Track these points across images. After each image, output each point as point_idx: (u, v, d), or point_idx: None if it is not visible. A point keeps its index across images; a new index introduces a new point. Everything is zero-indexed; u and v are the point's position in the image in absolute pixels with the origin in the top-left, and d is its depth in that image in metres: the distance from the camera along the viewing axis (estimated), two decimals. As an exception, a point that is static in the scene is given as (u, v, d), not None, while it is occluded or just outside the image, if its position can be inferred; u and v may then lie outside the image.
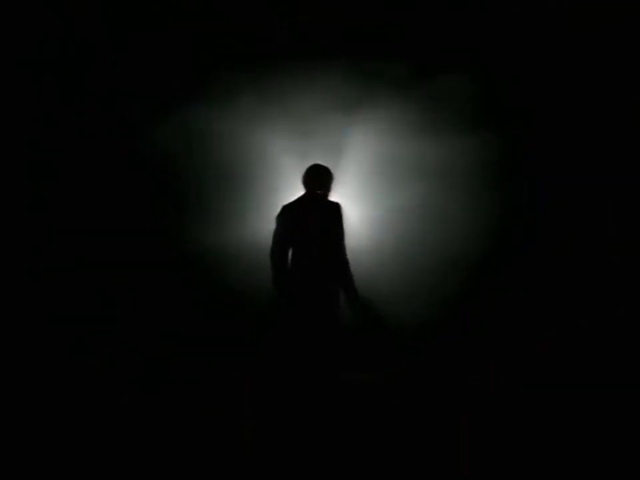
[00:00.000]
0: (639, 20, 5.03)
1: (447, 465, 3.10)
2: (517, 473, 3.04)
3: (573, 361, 4.37)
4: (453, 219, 5.16)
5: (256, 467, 3.07)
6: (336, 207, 3.95)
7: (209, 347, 4.55)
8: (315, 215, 3.90)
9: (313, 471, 3.05)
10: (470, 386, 4.02)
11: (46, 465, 3.06)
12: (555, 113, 5.13)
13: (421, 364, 4.38)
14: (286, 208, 3.95)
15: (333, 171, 4.14)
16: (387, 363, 4.34)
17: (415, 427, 3.48)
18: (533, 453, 3.20)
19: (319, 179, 3.95)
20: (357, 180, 5.09)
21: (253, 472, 3.04)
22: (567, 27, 5.09)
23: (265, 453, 3.19)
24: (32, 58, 5.03)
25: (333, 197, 4.09)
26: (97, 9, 5.07)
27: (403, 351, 4.53)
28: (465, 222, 5.14)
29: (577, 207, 5.09)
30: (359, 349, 4.07)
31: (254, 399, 3.79)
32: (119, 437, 3.32)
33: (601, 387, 3.95)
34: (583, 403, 3.76)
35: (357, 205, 4.90)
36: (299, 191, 4.15)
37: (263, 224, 4.79)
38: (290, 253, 3.95)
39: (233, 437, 3.34)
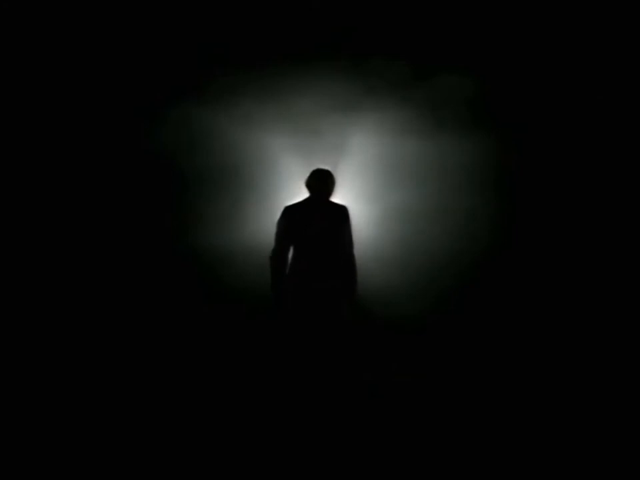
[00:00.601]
0: (638, 22, 5.04)
1: (447, 465, 3.10)
2: (517, 473, 3.05)
3: (573, 361, 4.37)
4: (453, 219, 5.18)
5: (256, 467, 3.07)
6: (341, 210, 3.96)
7: (209, 347, 4.55)
8: (317, 216, 3.91)
9: (314, 470, 3.05)
10: (468, 386, 4.02)
11: (46, 465, 3.05)
12: (554, 113, 5.14)
13: (421, 364, 4.39)
14: (288, 209, 3.96)
15: (334, 172, 4.15)
16: (387, 363, 4.34)
17: (415, 427, 3.48)
18: (532, 453, 3.21)
19: (321, 182, 3.95)
20: (358, 181, 5.10)
21: (253, 472, 3.04)
22: (566, 29, 5.10)
23: (266, 453, 3.19)
24: (32, 58, 5.03)
25: (335, 197, 4.09)
26: (97, 9, 5.07)
27: (402, 351, 4.54)
28: (465, 222, 5.16)
29: (576, 206, 5.11)
30: (359, 348, 4.07)
31: (256, 398, 3.79)
32: (119, 437, 3.32)
33: (601, 387, 3.96)
34: (582, 402, 3.77)
35: (358, 205, 4.90)
36: (300, 192, 4.15)
37: (263, 225, 4.81)
38: (292, 254, 3.95)
39: (234, 437, 3.34)
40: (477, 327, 4.82)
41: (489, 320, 4.86)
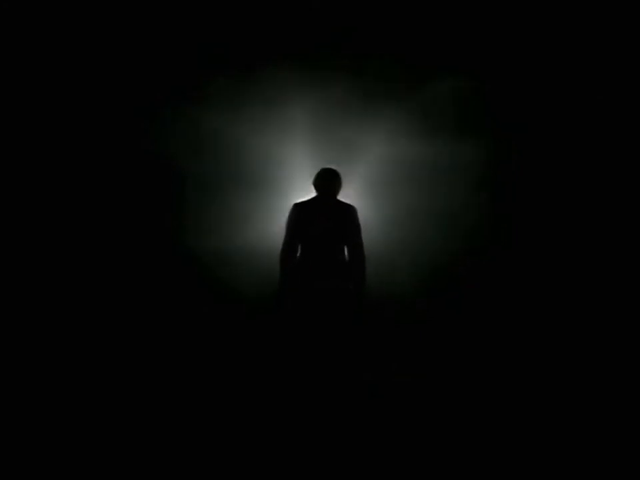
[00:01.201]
0: (637, 22, 5.06)
1: (447, 464, 3.10)
2: (517, 473, 3.05)
3: (573, 362, 4.38)
4: (451, 219, 5.19)
5: (256, 466, 3.07)
6: (348, 210, 3.97)
7: (209, 347, 4.55)
8: (321, 216, 3.92)
9: (314, 470, 3.05)
10: (468, 386, 4.02)
11: (46, 465, 3.05)
12: (552, 115, 5.17)
13: (421, 363, 4.39)
14: (296, 206, 3.98)
15: (340, 173, 4.15)
16: (387, 363, 4.34)
17: (415, 427, 3.48)
18: (532, 453, 3.20)
19: (326, 182, 3.98)
20: (358, 182, 5.11)
21: (253, 472, 3.03)
22: (564, 31, 5.12)
23: (266, 453, 3.19)
24: (32, 58, 5.03)
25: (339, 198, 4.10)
26: (97, 10, 5.07)
27: (401, 349, 4.54)
28: (462, 222, 5.18)
29: (572, 207, 5.13)
30: (359, 348, 4.07)
31: (256, 398, 3.79)
32: (119, 437, 3.32)
33: (601, 387, 3.96)
34: (582, 402, 3.77)
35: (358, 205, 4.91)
36: (299, 193, 4.17)
37: (264, 226, 4.82)
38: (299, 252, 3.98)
39: (234, 437, 3.34)
40: (475, 326, 4.82)
41: (487, 318, 4.87)
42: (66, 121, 5.06)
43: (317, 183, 3.99)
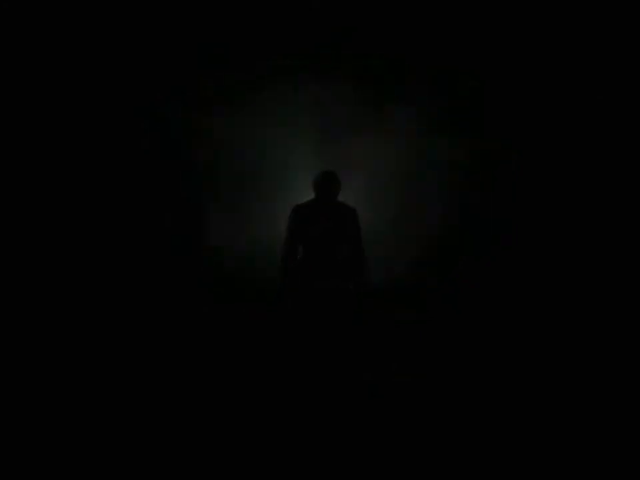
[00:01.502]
0: (632, 30, 5.08)
1: (447, 464, 3.10)
2: (517, 473, 3.05)
3: (574, 362, 4.38)
4: (452, 219, 5.20)
5: (256, 466, 3.07)
6: (348, 211, 3.98)
7: (210, 347, 4.55)
8: (321, 217, 3.94)
9: (314, 470, 3.06)
10: (468, 385, 4.03)
11: (46, 465, 3.05)
12: (549, 117, 5.18)
13: (421, 363, 4.39)
14: (296, 208, 4.00)
15: (339, 174, 4.16)
16: (387, 363, 4.34)
17: (415, 427, 3.48)
18: (532, 452, 3.21)
19: (325, 183, 3.99)
20: (360, 183, 5.12)
21: (253, 471, 3.04)
22: (561, 35, 5.13)
23: (266, 453, 3.19)
24: (32, 58, 5.03)
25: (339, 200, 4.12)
26: (98, 10, 5.08)
27: (402, 349, 4.55)
28: (462, 222, 5.19)
29: (570, 207, 5.15)
30: (359, 348, 4.07)
31: (256, 397, 3.79)
32: (119, 437, 3.32)
33: (601, 387, 3.96)
34: (582, 401, 3.77)
35: (360, 206, 4.92)
36: (307, 196, 4.18)
37: (264, 226, 4.82)
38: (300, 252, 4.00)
39: (234, 436, 3.34)
40: (475, 326, 4.83)
41: (487, 318, 4.87)
42: (66, 121, 5.07)
43: (317, 185, 4.00)
